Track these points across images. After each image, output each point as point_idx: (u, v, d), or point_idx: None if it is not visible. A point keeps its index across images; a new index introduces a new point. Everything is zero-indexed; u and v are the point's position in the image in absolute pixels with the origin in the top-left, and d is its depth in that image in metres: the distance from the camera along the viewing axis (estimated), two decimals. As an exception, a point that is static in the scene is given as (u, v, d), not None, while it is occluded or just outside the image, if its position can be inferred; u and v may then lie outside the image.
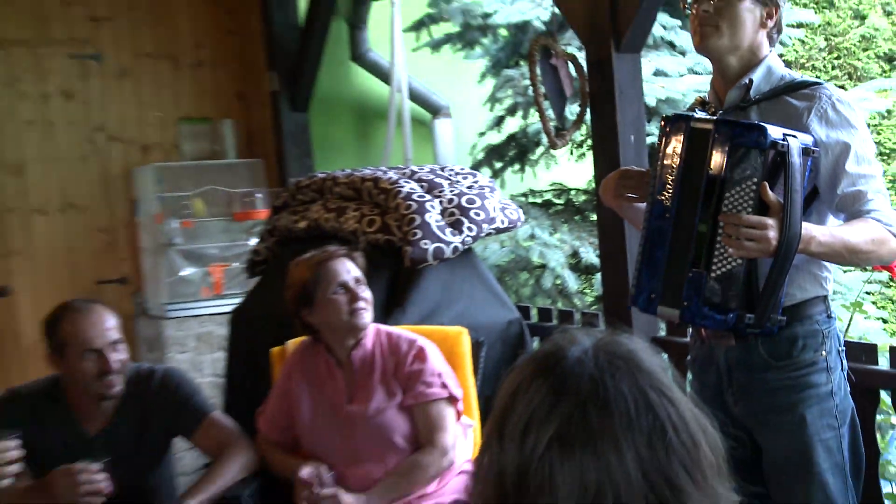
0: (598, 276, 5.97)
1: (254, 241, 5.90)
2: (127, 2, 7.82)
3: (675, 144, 3.24)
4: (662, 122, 3.35)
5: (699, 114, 3.31)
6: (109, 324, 4.01)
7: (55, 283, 7.47)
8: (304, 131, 7.95)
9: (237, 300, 6.02)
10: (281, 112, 7.89)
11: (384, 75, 8.19)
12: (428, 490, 3.95)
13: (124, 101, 7.86)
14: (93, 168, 7.79)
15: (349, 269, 4.02)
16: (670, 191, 3.24)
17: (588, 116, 5.01)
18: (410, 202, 5.00)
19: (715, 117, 3.22)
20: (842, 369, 3.30)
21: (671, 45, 7.34)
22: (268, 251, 5.63)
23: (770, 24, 3.31)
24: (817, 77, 3.47)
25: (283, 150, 7.90)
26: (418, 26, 8.05)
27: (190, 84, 8.02)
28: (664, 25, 7.20)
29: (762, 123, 3.08)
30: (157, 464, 4.25)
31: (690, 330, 3.61)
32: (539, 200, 7.75)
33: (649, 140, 4.90)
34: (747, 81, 3.30)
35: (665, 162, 3.27)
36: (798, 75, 3.39)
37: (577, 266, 7.16)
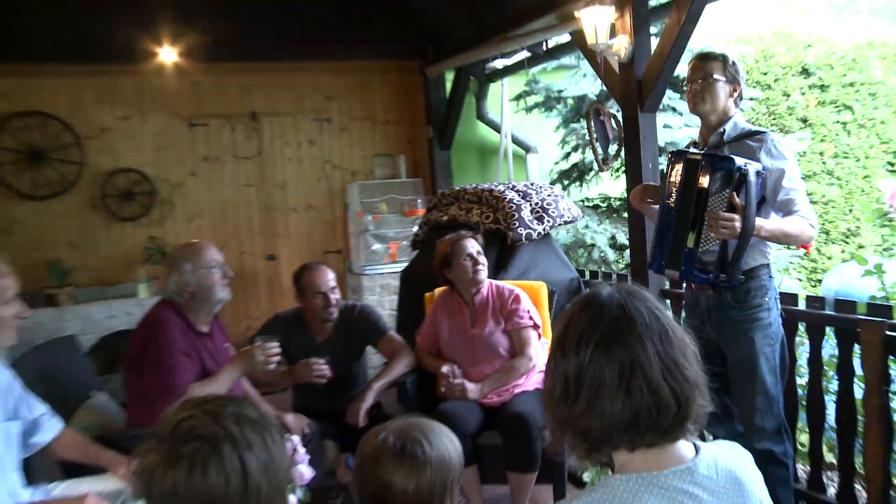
0: (628, 251, 5.84)
1: (415, 229, 5.85)
2: (346, 88, 7.85)
3: (677, 168, 3.28)
4: (669, 155, 3.37)
5: (693, 150, 3.33)
6: (330, 276, 4.08)
7: (301, 252, 7.60)
8: (447, 162, 7.90)
9: (405, 264, 6.03)
10: (433, 150, 7.86)
11: (497, 127, 8.11)
12: (518, 382, 3.95)
13: (342, 145, 7.90)
14: (323, 185, 7.84)
15: (473, 245, 4.05)
16: (674, 198, 3.29)
17: (623, 152, 4.88)
18: (512, 204, 5.03)
19: (702, 152, 3.24)
20: (777, 309, 3.37)
21: (673, 109, 7.25)
22: (423, 234, 5.61)
23: (735, 95, 3.39)
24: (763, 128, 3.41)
25: (434, 173, 7.87)
26: (518, 97, 7.95)
27: (380, 134, 8.01)
28: (670, 97, 7.12)
29: (732, 156, 3.14)
30: (357, 361, 4.24)
31: (685, 285, 3.59)
32: (591, 204, 7.66)
33: (661, 167, 4.74)
34: (722, 131, 3.38)
35: (671, 179, 3.31)
36: (753, 127, 3.42)
37: (614, 245, 7.12)
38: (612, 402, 1.40)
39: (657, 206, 3.45)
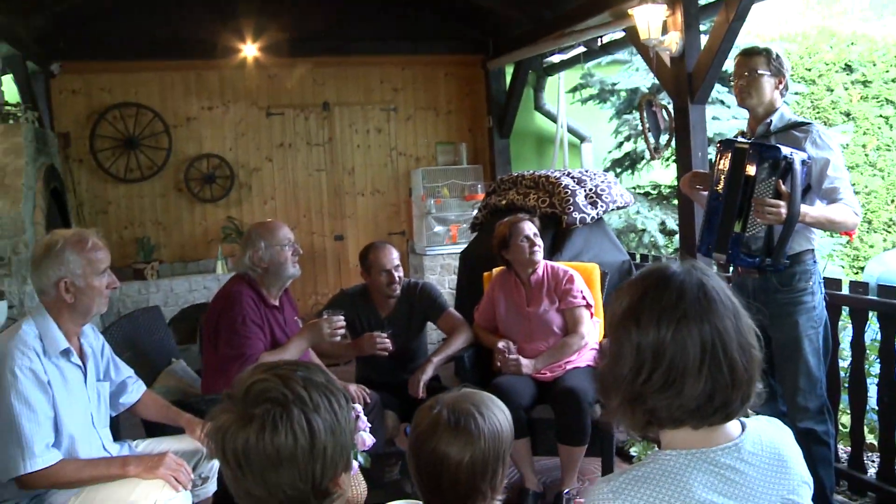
0: (677, 236, 5.72)
1: (475, 212, 5.81)
2: (412, 80, 7.85)
3: (725, 157, 3.21)
4: (718, 145, 3.32)
5: (740, 139, 3.25)
6: (394, 255, 4.03)
7: (367, 232, 7.61)
8: (506, 150, 7.84)
9: (464, 245, 6.01)
10: (494, 139, 7.80)
11: (553, 118, 8.04)
12: (571, 359, 3.86)
13: (408, 133, 7.90)
14: (390, 170, 7.86)
15: (530, 228, 3.97)
16: (722, 184, 3.21)
17: (673, 142, 4.79)
18: (567, 189, 4.97)
19: (750, 141, 3.17)
20: (821, 293, 3.27)
21: (721, 102, 7.06)
22: (483, 217, 5.56)
23: (781, 87, 3.28)
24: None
25: (493, 160, 7.81)
26: (574, 90, 7.83)
27: (443, 123, 7.98)
28: (718, 91, 6.92)
29: (778, 145, 3.08)
30: (418, 335, 4.19)
31: (731, 268, 3.46)
32: (642, 191, 7.54)
33: (709, 156, 4.64)
34: (769, 121, 3.28)
35: (719, 167, 3.24)
36: (799, 118, 3.34)
37: (664, 230, 6.98)
38: (693, 378, 1.32)
39: (706, 193, 3.37)
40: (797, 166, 2.99)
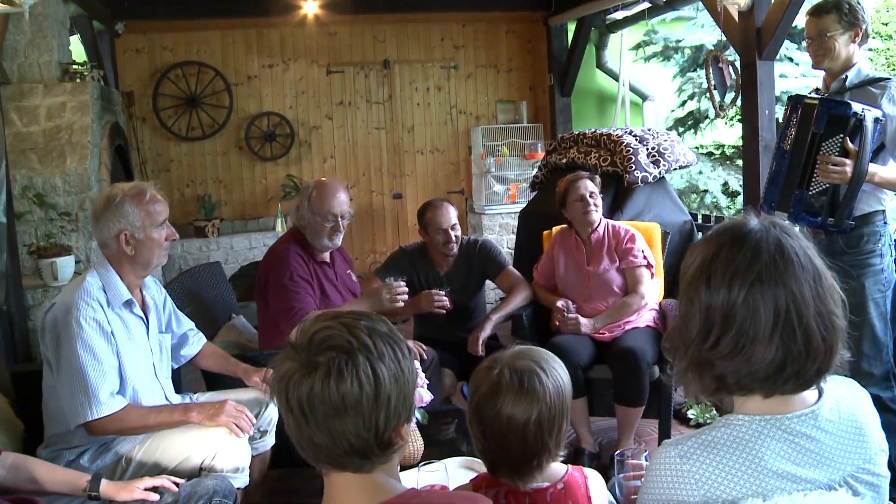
0: (740, 198, 5.59)
1: (535, 171, 5.75)
2: (473, 37, 7.77)
3: (794, 112, 3.14)
4: (788, 100, 3.22)
5: (810, 95, 3.16)
6: (452, 213, 4.01)
7: (426, 191, 7.61)
8: (567, 108, 7.70)
9: (523, 205, 5.96)
10: (555, 97, 7.67)
11: (615, 76, 7.87)
12: (630, 319, 3.82)
13: (468, 91, 7.83)
14: (449, 128, 7.82)
15: (587, 187, 3.91)
16: (789, 140, 3.14)
17: (739, 100, 4.66)
18: (629, 147, 4.91)
19: (819, 97, 3.08)
20: (891, 256, 3.18)
21: (790, 59, 6.87)
22: (543, 176, 5.52)
23: (858, 39, 3.13)
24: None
25: (554, 119, 7.69)
26: (637, 47, 7.70)
27: (504, 81, 7.89)
28: (787, 48, 6.78)
29: (849, 101, 2.97)
30: (476, 293, 4.19)
31: (798, 228, 3.28)
32: (705, 151, 7.41)
33: (777, 116, 4.53)
34: (844, 77, 3.16)
35: (787, 123, 3.16)
36: (877, 73, 3.20)
37: (727, 191, 6.87)
38: (764, 346, 1.26)
39: None
40: (868, 124, 2.89)
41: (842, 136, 2.93)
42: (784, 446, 1.28)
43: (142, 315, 2.71)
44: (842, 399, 1.37)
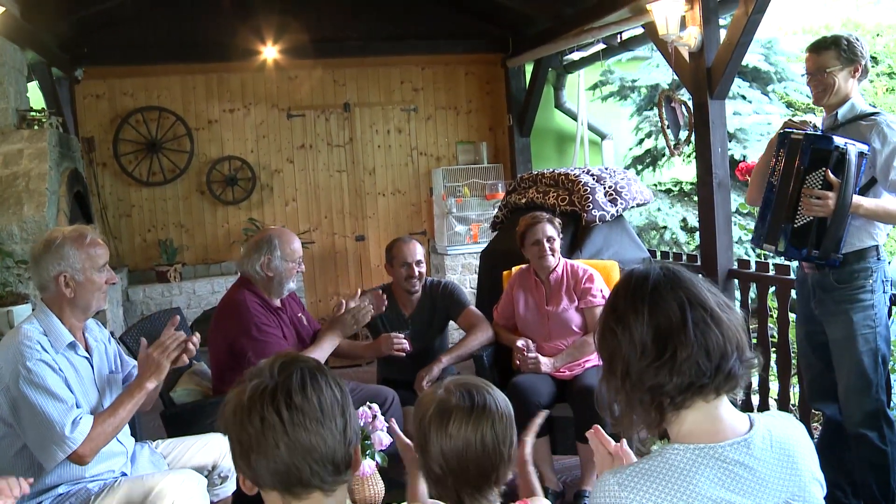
0: (697, 233, 5.69)
1: (495, 211, 5.79)
2: (432, 79, 7.88)
3: (782, 148, 3.18)
4: (777, 136, 3.26)
5: (796, 131, 3.17)
6: (418, 250, 4.08)
7: (388, 233, 7.61)
8: (526, 148, 7.79)
9: (485, 244, 5.93)
10: (514, 137, 7.76)
11: (574, 116, 8.01)
12: (590, 357, 3.85)
13: (428, 133, 7.92)
14: (410, 170, 7.88)
15: (545, 231, 3.94)
16: (777, 175, 3.19)
17: (693, 138, 4.76)
18: (586, 186, 4.93)
19: (804, 132, 3.11)
20: (883, 292, 3.15)
21: (743, 97, 7.03)
22: (504, 216, 5.54)
23: (857, 74, 3.13)
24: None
25: (514, 159, 7.77)
26: (594, 87, 7.86)
27: (464, 122, 7.99)
28: (739, 86, 6.97)
29: (831, 136, 3.01)
30: (439, 334, 4.22)
31: (797, 264, 3.48)
32: (663, 188, 7.50)
33: (729, 152, 4.63)
34: (835, 114, 3.17)
35: (777, 158, 3.21)
36: (868, 108, 3.18)
37: (685, 227, 6.97)
38: (683, 337, 1.36)
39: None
40: (851, 157, 2.91)
41: (824, 169, 2.94)
42: (718, 473, 1.33)
43: (87, 356, 2.68)
44: (774, 429, 1.42)
